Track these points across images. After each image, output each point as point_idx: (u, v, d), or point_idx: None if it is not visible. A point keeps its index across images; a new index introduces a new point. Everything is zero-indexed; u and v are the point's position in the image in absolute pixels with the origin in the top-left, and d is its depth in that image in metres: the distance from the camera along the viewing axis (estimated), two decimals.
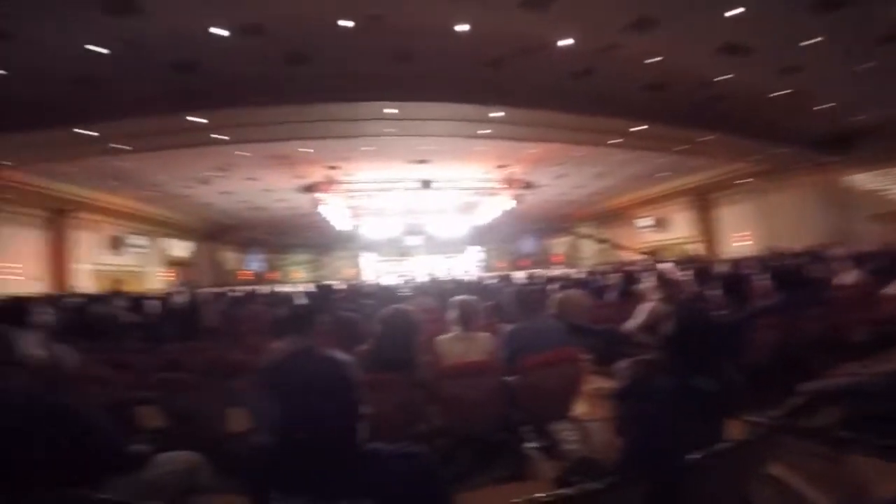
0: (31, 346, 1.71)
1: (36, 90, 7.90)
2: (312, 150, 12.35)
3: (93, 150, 10.35)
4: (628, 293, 5.69)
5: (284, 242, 29.56)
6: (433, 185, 15.36)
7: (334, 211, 16.59)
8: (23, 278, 13.67)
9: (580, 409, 3.22)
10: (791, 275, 3.85)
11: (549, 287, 6.80)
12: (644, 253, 19.62)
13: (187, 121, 9.03)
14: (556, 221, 26.28)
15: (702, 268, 5.34)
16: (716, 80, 9.24)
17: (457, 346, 2.90)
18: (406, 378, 2.40)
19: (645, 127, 10.98)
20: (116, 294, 8.47)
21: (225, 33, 6.82)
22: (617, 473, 1.59)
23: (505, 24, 7.20)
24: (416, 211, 20.58)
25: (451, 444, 2.86)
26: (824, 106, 10.93)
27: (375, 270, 26.87)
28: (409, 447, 1.17)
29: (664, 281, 4.15)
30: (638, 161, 15.12)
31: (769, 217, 17.03)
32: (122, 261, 18.19)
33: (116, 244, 17.87)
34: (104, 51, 6.89)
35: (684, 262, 12.66)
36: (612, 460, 1.79)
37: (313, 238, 27.38)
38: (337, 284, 10.23)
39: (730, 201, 19.10)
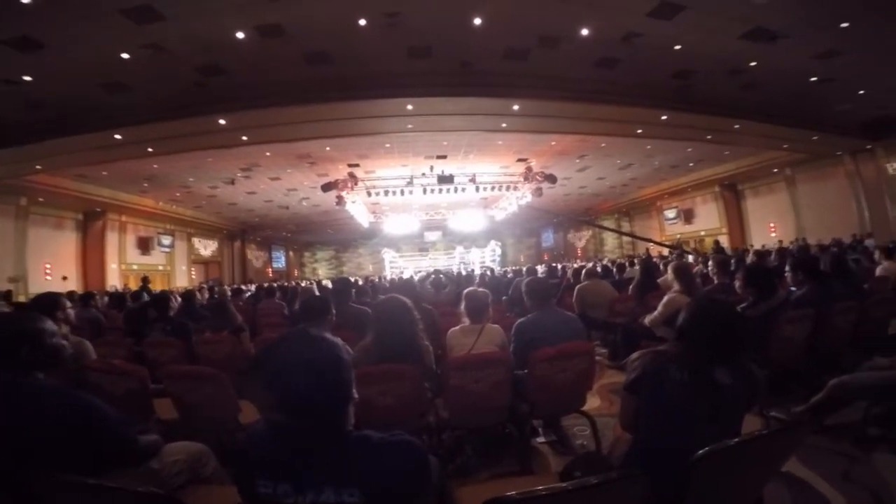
0: (57, 339, 1.74)
1: (65, 96, 8.19)
2: (333, 149, 12.49)
3: (123, 154, 10.69)
4: (650, 286, 5.54)
5: (308, 240, 30.08)
6: (454, 180, 15.30)
7: (356, 208, 16.73)
8: (51, 278, 14.35)
9: (593, 404, 3.15)
10: (820, 267, 3.66)
11: (566, 280, 6.68)
12: (669, 245, 19.23)
13: (213, 123, 9.24)
14: (579, 214, 25.96)
15: (725, 259, 5.14)
16: (748, 66, 8.92)
17: (465, 337, 2.86)
18: (413, 369, 2.37)
19: (665, 117, 10.70)
20: (143, 291, 8.73)
21: (245, 36, 6.93)
22: (620, 468, 1.53)
23: (522, 16, 7.09)
24: (437, 206, 20.59)
25: (458, 437, 2.84)
26: (861, 92, 10.43)
27: (396, 265, 27.12)
28: (399, 435, 1.13)
29: (682, 272, 4.03)
30: (663, 151, 14.77)
31: (801, 208, 16.46)
32: (150, 260, 18.88)
33: (145, 244, 18.57)
34: (128, 56, 7.10)
35: (709, 253, 12.31)
36: (619, 456, 1.73)
37: (336, 235, 27.79)
38: (355, 279, 10.30)
39: (759, 192, 18.54)
